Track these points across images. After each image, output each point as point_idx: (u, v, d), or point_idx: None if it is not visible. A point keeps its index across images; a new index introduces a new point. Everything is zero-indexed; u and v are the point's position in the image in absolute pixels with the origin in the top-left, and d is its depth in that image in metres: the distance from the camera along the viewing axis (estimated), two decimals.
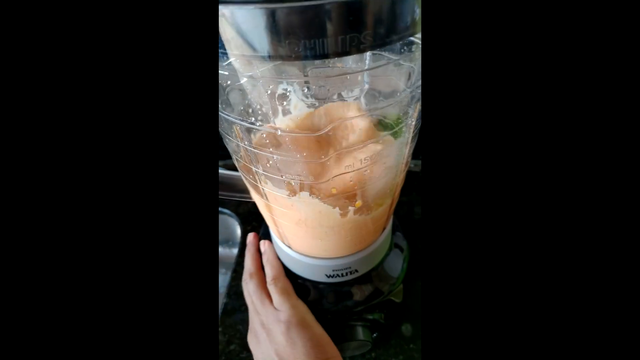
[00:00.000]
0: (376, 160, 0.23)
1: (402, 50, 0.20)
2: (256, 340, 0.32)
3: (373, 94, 0.25)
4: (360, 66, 0.24)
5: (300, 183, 0.24)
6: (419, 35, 0.15)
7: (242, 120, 0.21)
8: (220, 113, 0.21)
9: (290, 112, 0.26)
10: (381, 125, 0.26)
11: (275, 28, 0.13)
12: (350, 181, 0.24)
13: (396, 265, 0.36)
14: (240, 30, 0.13)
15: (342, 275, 0.32)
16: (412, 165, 0.58)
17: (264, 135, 0.23)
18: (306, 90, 0.25)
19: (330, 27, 0.13)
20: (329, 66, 0.24)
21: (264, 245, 0.36)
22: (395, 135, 0.24)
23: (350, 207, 0.25)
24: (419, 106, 0.22)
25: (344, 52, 0.14)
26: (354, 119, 0.24)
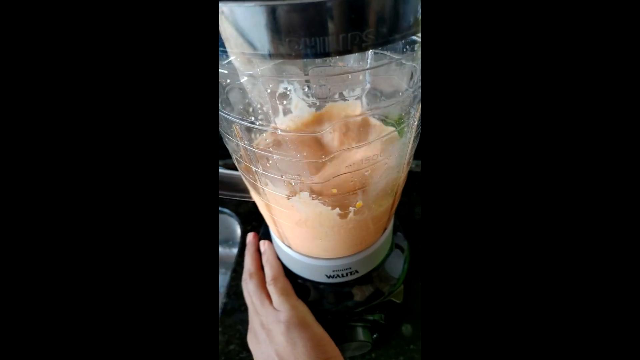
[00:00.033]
0: (377, 160, 0.23)
1: (405, 50, 0.20)
2: (256, 340, 0.32)
3: (375, 94, 0.25)
4: (361, 65, 0.24)
5: (301, 183, 0.23)
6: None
7: (242, 120, 0.21)
8: (219, 112, 0.21)
9: (290, 112, 0.25)
10: (383, 125, 0.26)
11: (275, 26, 0.13)
12: (351, 181, 0.24)
13: (397, 265, 0.36)
14: (240, 28, 0.13)
15: (343, 275, 0.32)
16: (414, 166, 0.58)
17: (264, 135, 0.23)
18: (307, 89, 0.25)
19: (331, 25, 0.13)
20: (330, 65, 0.24)
21: (263, 245, 0.36)
22: (397, 135, 0.24)
23: (351, 208, 0.25)
24: (421, 106, 0.22)
25: (345, 51, 0.13)
26: (355, 118, 0.24)
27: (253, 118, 0.22)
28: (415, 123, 0.23)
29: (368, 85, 0.24)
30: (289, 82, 0.24)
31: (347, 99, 0.25)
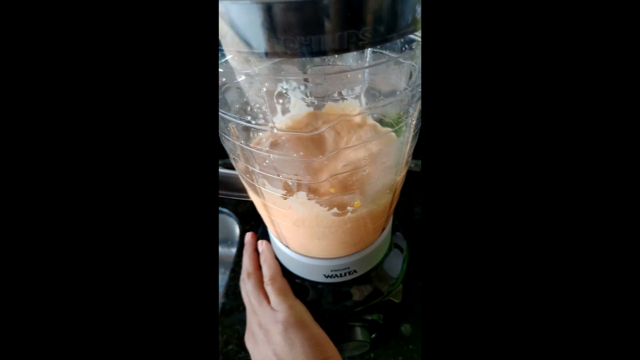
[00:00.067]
0: (375, 159, 0.23)
1: (403, 48, 0.20)
2: (254, 340, 0.32)
3: (373, 93, 0.24)
4: (360, 64, 0.24)
5: (298, 183, 0.23)
6: (420, 32, 0.15)
7: (239, 119, 0.21)
8: None
9: (289, 111, 0.25)
10: (381, 124, 0.25)
11: (271, 24, 0.12)
12: (349, 181, 0.23)
13: (396, 265, 0.36)
14: (235, 27, 0.13)
15: (341, 275, 0.32)
16: (413, 165, 0.58)
17: (261, 134, 0.23)
18: (305, 88, 0.25)
19: (327, 24, 0.12)
20: (328, 64, 0.23)
21: (261, 245, 0.36)
22: (395, 134, 0.24)
23: (348, 207, 0.25)
24: (419, 105, 0.22)
25: (342, 49, 0.13)
26: (352, 117, 0.24)
27: (250, 117, 0.22)
28: (414, 122, 0.23)
29: (366, 84, 0.24)
30: (286, 81, 0.24)
31: (345, 98, 0.25)
